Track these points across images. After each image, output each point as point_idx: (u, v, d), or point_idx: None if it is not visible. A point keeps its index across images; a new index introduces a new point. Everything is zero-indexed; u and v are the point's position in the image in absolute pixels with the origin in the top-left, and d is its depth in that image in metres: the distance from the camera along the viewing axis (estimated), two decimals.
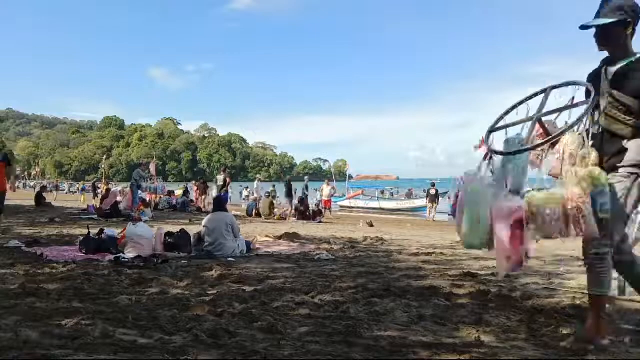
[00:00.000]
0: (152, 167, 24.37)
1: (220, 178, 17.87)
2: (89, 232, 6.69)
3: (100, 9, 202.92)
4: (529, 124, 2.75)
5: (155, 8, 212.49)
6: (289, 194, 17.86)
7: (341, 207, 28.53)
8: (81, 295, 3.64)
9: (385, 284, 4.26)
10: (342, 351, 2.46)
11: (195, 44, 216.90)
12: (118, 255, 5.74)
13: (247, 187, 29.46)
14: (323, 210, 18.19)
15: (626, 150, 2.55)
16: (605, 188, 2.46)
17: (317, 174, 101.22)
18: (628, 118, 2.56)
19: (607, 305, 2.63)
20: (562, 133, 2.61)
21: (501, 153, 2.71)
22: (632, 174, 2.54)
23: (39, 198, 17.91)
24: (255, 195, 20.07)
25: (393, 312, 3.30)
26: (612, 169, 2.57)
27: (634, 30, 2.62)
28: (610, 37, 2.63)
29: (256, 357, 2.35)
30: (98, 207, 14.56)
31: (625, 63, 2.62)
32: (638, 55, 2.62)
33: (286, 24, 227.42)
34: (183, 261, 5.64)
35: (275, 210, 17.23)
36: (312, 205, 18.23)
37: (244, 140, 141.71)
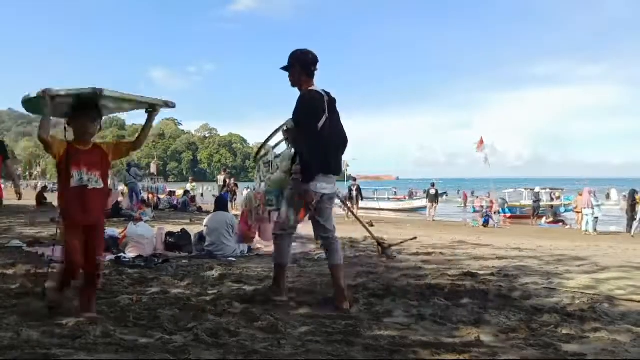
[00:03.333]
0: (153, 167, 24.44)
1: (220, 178, 17.92)
2: None
3: (100, 8, 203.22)
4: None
5: (156, 9, 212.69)
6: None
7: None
8: None
9: (385, 284, 4.27)
10: (342, 351, 2.47)
11: (196, 45, 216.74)
12: (119, 255, 5.75)
13: (248, 187, 29.41)
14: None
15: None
16: (271, 189, 4.17)
17: None
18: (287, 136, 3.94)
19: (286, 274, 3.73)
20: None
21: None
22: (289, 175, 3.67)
23: (40, 198, 17.92)
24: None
25: (393, 312, 3.30)
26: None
27: (302, 70, 3.44)
28: (290, 78, 3.51)
29: (256, 357, 2.36)
30: None
31: None
32: (300, 93, 3.43)
33: (287, 24, 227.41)
34: (184, 261, 5.65)
35: None
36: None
37: (245, 141, 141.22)
